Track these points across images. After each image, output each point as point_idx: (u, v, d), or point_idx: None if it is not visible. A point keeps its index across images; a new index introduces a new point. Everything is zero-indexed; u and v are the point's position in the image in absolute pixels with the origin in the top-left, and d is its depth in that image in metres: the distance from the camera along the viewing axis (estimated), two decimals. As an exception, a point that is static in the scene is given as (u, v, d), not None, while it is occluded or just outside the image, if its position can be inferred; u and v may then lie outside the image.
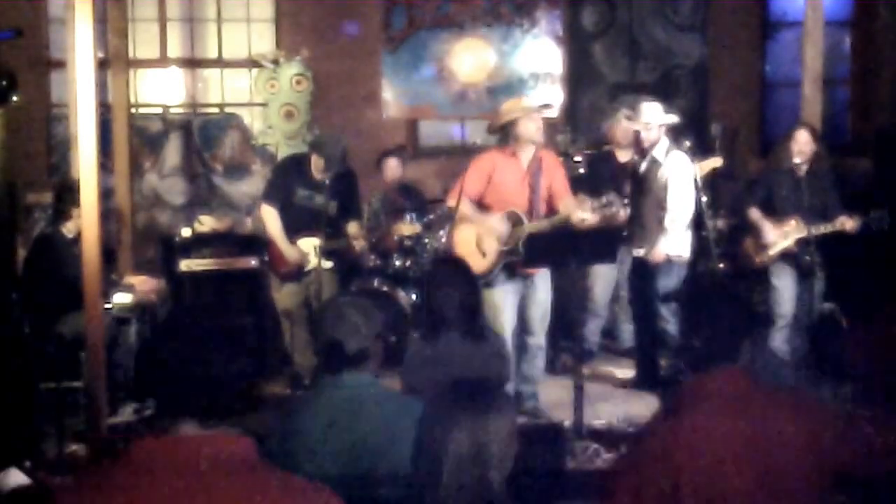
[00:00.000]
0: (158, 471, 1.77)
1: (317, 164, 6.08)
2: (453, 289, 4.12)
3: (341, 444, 2.67)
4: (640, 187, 6.04)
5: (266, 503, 1.77)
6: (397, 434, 2.70)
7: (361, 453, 2.66)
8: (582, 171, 7.05)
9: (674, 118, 6.04)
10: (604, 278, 6.63)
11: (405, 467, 2.68)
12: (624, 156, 6.59)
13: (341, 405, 2.73)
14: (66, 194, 5.59)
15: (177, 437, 1.84)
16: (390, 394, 2.90)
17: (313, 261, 6.00)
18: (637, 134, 6.10)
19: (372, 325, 2.85)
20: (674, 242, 5.92)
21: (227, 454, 1.81)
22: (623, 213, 5.86)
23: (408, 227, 6.62)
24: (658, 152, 5.95)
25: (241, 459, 1.82)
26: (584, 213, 5.40)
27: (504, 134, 5.62)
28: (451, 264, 4.57)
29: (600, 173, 6.53)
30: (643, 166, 6.03)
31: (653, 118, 5.94)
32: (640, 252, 6.03)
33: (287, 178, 6.23)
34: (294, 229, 6.12)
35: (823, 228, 5.88)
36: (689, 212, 5.88)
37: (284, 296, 6.26)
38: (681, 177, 5.87)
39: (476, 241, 5.60)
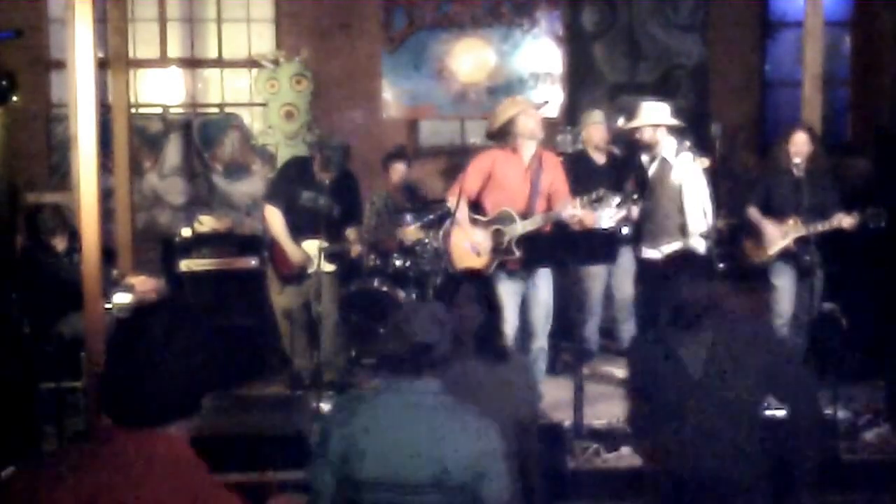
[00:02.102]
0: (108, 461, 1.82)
1: (319, 165, 6.09)
2: (471, 307, 3.64)
3: (394, 448, 2.68)
4: (652, 189, 6.00)
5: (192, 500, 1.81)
6: (451, 445, 2.69)
7: (410, 458, 2.67)
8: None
9: (672, 121, 5.99)
10: (597, 277, 6.63)
11: (453, 480, 2.67)
12: (600, 157, 6.60)
13: (403, 411, 2.72)
14: (38, 223, 5.69)
15: (129, 433, 1.86)
16: (456, 406, 2.82)
17: (316, 263, 6.00)
18: (633, 133, 6.09)
19: (449, 331, 2.83)
20: (696, 243, 5.91)
21: (162, 452, 1.84)
22: (634, 211, 5.86)
23: (413, 232, 6.59)
24: (668, 153, 5.92)
25: (176, 458, 1.85)
26: (574, 209, 5.39)
27: (503, 135, 5.61)
28: (465, 279, 4.33)
29: (577, 175, 6.49)
30: (653, 167, 5.99)
31: (648, 119, 5.91)
32: (652, 253, 5.99)
33: (292, 179, 6.23)
34: (298, 231, 6.12)
35: (822, 227, 5.88)
36: (709, 212, 5.88)
37: (285, 297, 6.26)
38: (695, 178, 5.87)
39: (470, 241, 5.61)
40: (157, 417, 1.86)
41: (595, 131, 6.61)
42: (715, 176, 6.66)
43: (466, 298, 3.71)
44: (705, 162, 6.32)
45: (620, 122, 6.67)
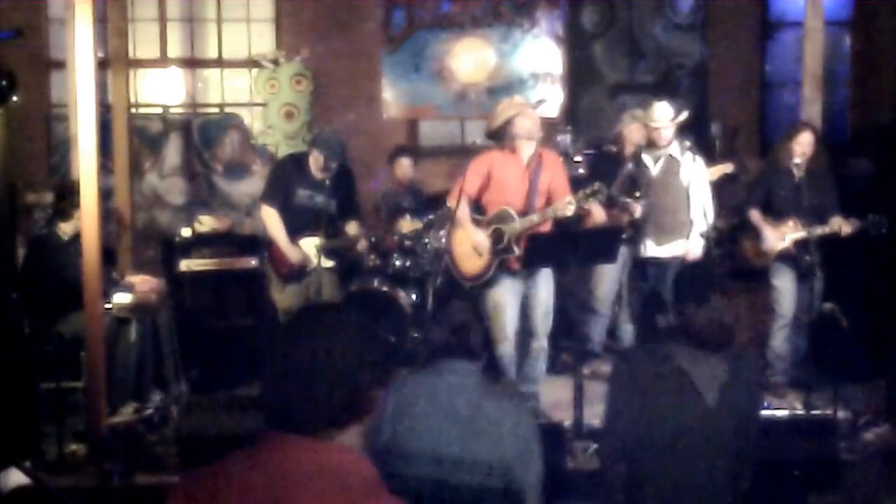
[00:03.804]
0: (279, 472, 1.74)
1: (316, 162, 6.06)
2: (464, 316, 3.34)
3: (435, 423, 2.81)
4: (658, 186, 6.04)
5: None
6: (488, 425, 2.83)
7: (449, 433, 2.80)
8: (582, 171, 7.03)
9: (685, 114, 6.10)
10: (608, 278, 6.61)
11: (488, 458, 2.80)
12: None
13: (444, 390, 2.87)
14: (68, 195, 5.58)
15: (301, 442, 1.76)
16: (494, 390, 3.04)
17: (315, 260, 5.99)
18: (650, 133, 6.12)
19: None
20: (697, 243, 6.00)
21: (335, 463, 1.74)
22: (638, 210, 5.92)
23: (408, 224, 6.62)
24: (675, 151, 6.01)
25: (349, 469, 1.74)
26: (570, 204, 5.40)
27: (501, 136, 5.63)
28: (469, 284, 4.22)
29: (605, 173, 6.51)
30: (659, 166, 6.03)
31: (669, 116, 6.00)
32: (657, 251, 6.05)
33: (287, 178, 6.21)
34: (295, 229, 6.11)
35: (820, 230, 5.88)
36: (710, 212, 5.98)
37: (286, 296, 6.25)
38: (702, 175, 6.01)
39: (472, 242, 5.63)
40: (330, 420, 1.75)
41: (636, 130, 6.60)
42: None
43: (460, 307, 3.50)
44: (729, 167, 6.40)
45: (628, 119, 6.65)
